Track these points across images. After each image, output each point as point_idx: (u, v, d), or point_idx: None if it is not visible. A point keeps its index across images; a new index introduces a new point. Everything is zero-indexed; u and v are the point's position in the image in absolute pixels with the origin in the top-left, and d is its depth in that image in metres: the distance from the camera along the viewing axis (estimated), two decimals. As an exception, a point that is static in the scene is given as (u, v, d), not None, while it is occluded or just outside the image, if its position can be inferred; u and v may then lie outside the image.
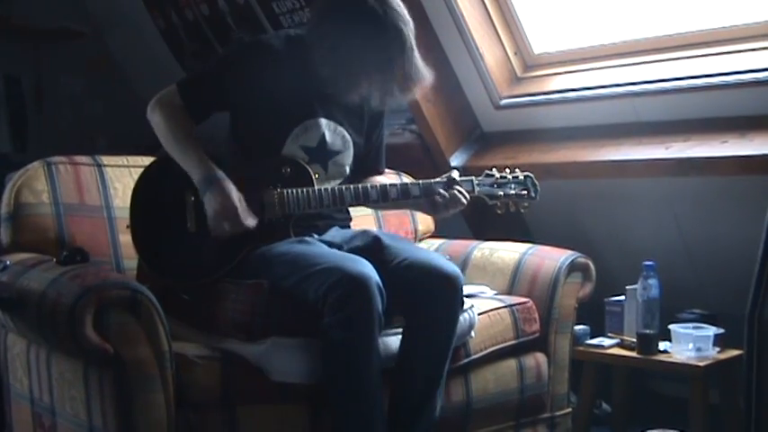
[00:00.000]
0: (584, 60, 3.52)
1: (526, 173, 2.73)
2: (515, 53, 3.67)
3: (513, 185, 2.70)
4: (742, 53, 3.01)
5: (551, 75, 3.60)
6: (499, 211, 2.70)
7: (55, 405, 2.34)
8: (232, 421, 2.27)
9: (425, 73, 2.53)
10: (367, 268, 2.30)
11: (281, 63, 2.55)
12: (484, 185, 2.67)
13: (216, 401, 2.26)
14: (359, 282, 2.25)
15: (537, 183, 2.72)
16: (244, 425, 2.28)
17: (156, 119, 2.53)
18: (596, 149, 3.34)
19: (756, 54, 2.98)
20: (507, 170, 2.72)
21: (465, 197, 2.59)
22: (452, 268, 2.45)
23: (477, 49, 3.56)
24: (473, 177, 2.66)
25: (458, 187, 2.59)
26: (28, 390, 2.47)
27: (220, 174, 2.44)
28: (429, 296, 2.41)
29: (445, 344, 2.45)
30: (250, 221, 2.44)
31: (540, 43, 3.66)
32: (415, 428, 2.41)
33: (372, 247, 2.54)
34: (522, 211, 2.75)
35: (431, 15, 3.59)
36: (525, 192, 2.71)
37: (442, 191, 2.58)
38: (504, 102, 3.64)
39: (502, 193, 2.68)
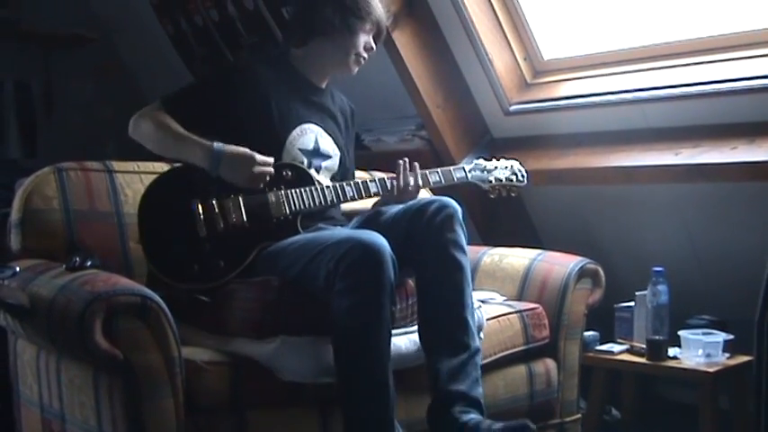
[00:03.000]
0: (593, 66, 3.51)
1: (511, 160, 2.98)
2: (525, 59, 3.67)
3: (501, 170, 2.93)
4: (751, 59, 3.01)
5: (561, 81, 3.59)
6: (492, 196, 2.95)
7: (65, 411, 2.35)
8: (242, 426, 2.27)
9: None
10: (380, 239, 2.29)
11: (269, 81, 2.68)
12: (475, 171, 2.89)
13: (225, 406, 2.26)
14: (371, 249, 2.25)
15: (522, 168, 2.98)
16: (254, 429, 2.28)
17: (143, 126, 2.58)
18: (606, 155, 3.34)
19: (765, 60, 2.97)
20: (494, 159, 2.96)
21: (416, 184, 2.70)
22: (445, 198, 2.49)
23: (487, 54, 3.56)
24: (464, 165, 2.87)
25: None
26: (38, 396, 2.48)
27: (219, 144, 2.50)
28: (429, 227, 2.42)
29: (458, 269, 2.41)
30: (269, 160, 2.53)
31: (550, 49, 3.66)
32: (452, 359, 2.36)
33: (373, 216, 2.62)
34: (513, 195, 2.98)
35: (440, 21, 3.59)
36: (513, 176, 2.95)
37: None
38: (513, 108, 3.64)
39: (492, 178, 2.91)
